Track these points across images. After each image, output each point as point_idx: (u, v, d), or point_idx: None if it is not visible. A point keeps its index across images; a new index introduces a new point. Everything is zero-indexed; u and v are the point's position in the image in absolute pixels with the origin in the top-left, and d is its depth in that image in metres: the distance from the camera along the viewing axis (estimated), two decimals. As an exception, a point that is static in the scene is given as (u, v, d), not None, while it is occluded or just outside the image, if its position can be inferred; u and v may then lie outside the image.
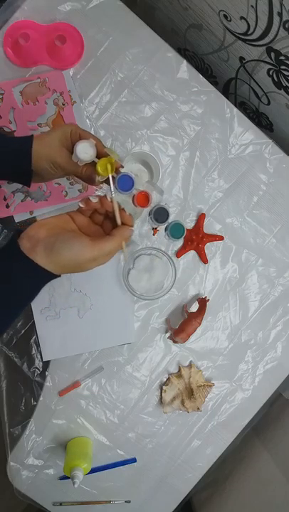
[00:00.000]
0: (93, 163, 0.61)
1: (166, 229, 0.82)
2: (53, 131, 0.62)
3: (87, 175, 0.63)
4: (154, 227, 0.83)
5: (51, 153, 0.60)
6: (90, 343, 0.84)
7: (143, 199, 0.72)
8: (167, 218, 0.80)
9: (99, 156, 0.61)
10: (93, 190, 0.82)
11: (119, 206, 0.60)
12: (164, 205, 0.81)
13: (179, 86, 0.84)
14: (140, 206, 0.73)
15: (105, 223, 0.62)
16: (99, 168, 0.60)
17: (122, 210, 0.60)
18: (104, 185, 0.82)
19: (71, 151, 0.61)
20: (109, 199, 0.58)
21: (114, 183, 0.62)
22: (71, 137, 0.61)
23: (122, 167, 0.64)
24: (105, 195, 0.60)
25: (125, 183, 0.65)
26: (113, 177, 0.62)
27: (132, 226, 0.61)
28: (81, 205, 0.59)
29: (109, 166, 0.61)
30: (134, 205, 0.73)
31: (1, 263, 0.54)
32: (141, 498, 0.90)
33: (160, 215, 0.80)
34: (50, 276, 0.55)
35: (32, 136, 0.61)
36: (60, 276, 0.56)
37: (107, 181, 0.62)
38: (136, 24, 0.82)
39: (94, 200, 0.58)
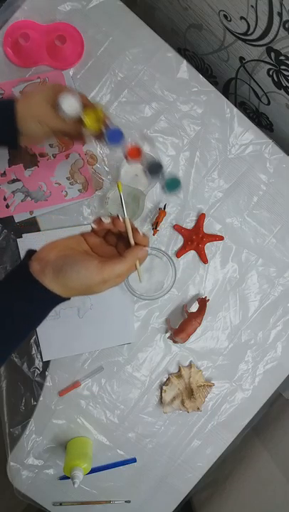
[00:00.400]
0: (80, 119, 0.61)
1: (162, 184, 0.75)
2: (37, 91, 0.62)
3: (76, 130, 0.62)
4: (150, 178, 0.74)
5: (37, 110, 0.60)
6: (90, 343, 0.84)
7: (135, 152, 0.70)
8: (161, 171, 0.73)
9: (85, 109, 0.61)
10: (93, 191, 0.82)
11: (133, 226, 0.56)
12: (157, 159, 0.76)
13: (179, 86, 0.84)
14: (132, 159, 0.70)
15: (119, 244, 0.58)
16: (87, 121, 0.59)
17: (135, 230, 0.56)
18: (104, 189, 0.82)
19: (56, 108, 0.61)
20: (121, 219, 0.55)
21: (103, 137, 0.61)
22: (55, 94, 0.61)
23: (110, 121, 0.62)
24: (118, 216, 0.56)
25: (115, 136, 0.63)
26: (102, 131, 0.61)
27: (146, 246, 0.56)
28: (93, 226, 0.55)
29: (94, 123, 0.59)
30: (126, 159, 0.70)
31: (11, 284, 0.53)
32: (141, 498, 0.90)
33: (153, 168, 0.73)
34: (58, 299, 0.53)
35: (14, 98, 0.61)
36: (69, 299, 0.54)
37: (96, 136, 0.61)
38: (136, 24, 0.82)
39: (106, 220, 0.54)
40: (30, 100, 0.61)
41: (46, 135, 0.64)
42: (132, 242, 0.56)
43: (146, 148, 0.70)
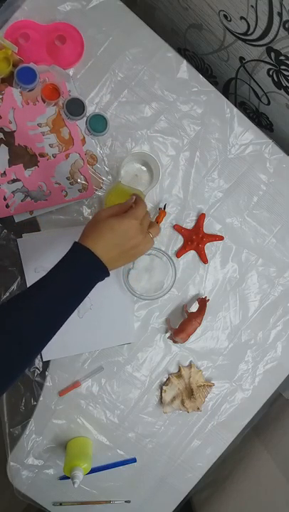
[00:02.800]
0: None
1: (86, 123, 0.72)
2: None
3: None
4: (70, 121, 0.71)
5: None
6: (90, 343, 0.84)
7: (51, 91, 0.64)
8: (83, 111, 0.68)
9: None
10: (93, 191, 0.82)
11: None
12: (77, 96, 0.69)
13: (179, 86, 0.84)
14: (49, 99, 0.65)
15: None
16: None
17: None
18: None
19: None
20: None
21: (13, 78, 0.58)
22: None
23: (22, 60, 0.58)
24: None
25: (26, 75, 0.59)
26: (12, 72, 0.58)
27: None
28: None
29: (3, 64, 0.56)
30: (42, 100, 0.65)
31: (65, 263, 0.60)
32: (141, 498, 0.90)
33: (75, 107, 0.67)
34: (104, 271, 0.61)
35: None
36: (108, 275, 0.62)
37: (7, 79, 0.56)
38: (136, 24, 0.82)
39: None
40: None
41: None
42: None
43: (63, 86, 0.63)
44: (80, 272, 0.60)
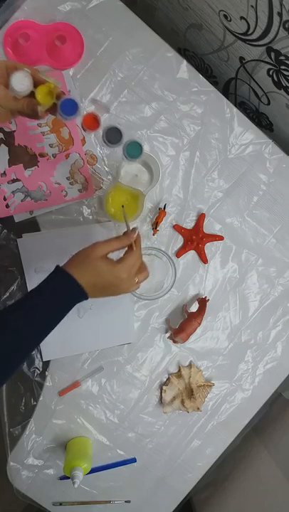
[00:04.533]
0: (33, 95, 0.60)
1: (123, 150, 0.75)
2: None
3: (29, 107, 0.61)
4: (110, 146, 0.75)
5: None
6: (90, 343, 0.84)
7: (91, 121, 0.68)
8: (121, 138, 0.73)
9: (36, 84, 0.60)
10: (93, 191, 0.82)
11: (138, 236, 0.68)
12: (116, 125, 0.74)
13: (179, 86, 0.84)
14: (90, 129, 0.68)
15: None
16: (38, 96, 0.59)
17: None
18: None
19: (8, 87, 0.59)
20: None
21: (57, 109, 0.60)
22: (6, 73, 0.60)
23: (64, 93, 0.62)
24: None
25: (69, 107, 0.62)
26: (55, 104, 0.60)
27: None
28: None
29: (47, 97, 0.59)
30: (83, 129, 0.69)
31: (45, 287, 0.61)
32: (141, 498, 0.90)
33: (113, 135, 0.72)
34: (81, 293, 0.61)
35: None
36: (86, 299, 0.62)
37: (50, 110, 0.60)
38: (136, 24, 0.82)
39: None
40: None
41: (3, 115, 0.63)
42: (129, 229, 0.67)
43: (102, 116, 0.67)
44: (62, 299, 0.61)
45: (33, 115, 0.62)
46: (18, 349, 0.58)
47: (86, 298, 0.62)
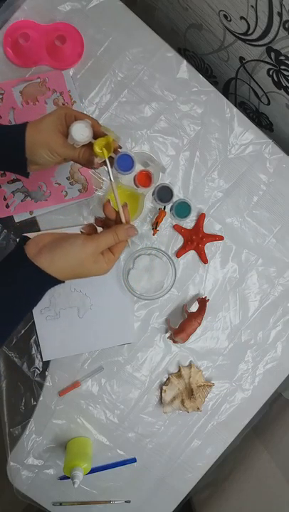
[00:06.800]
0: (90, 145, 0.60)
1: (171, 208, 0.78)
2: (47, 116, 0.60)
3: (85, 157, 0.61)
4: (160, 207, 0.77)
5: (46, 139, 0.59)
6: (90, 343, 0.84)
7: (144, 178, 0.70)
8: (172, 197, 0.75)
9: (95, 136, 0.60)
10: (93, 191, 0.82)
11: (125, 204, 0.61)
12: (167, 184, 0.76)
13: (179, 86, 0.84)
14: (142, 186, 0.70)
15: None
16: (96, 148, 0.59)
17: (124, 206, 0.61)
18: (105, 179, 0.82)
19: (66, 135, 0.60)
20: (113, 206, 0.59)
21: (113, 163, 0.61)
22: (66, 120, 0.60)
23: (120, 147, 0.62)
24: (108, 201, 0.60)
25: (125, 162, 0.63)
26: (112, 157, 0.60)
27: (129, 222, 0.62)
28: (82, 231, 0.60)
29: (105, 150, 0.59)
30: (135, 186, 0.70)
31: (6, 267, 0.55)
32: (141, 498, 0.90)
33: (164, 194, 0.74)
34: (52, 281, 0.55)
35: (26, 123, 0.60)
36: (63, 282, 0.57)
37: (105, 163, 0.60)
38: (136, 24, 0.82)
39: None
40: (41, 129, 0.59)
41: (55, 162, 0.63)
42: (123, 219, 0.61)
43: (155, 173, 0.69)
44: (28, 285, 0.56)
45: (87, 165, 0.62)
46: None
47: (58, 282, 0.57)
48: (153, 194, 0.78)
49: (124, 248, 0.62)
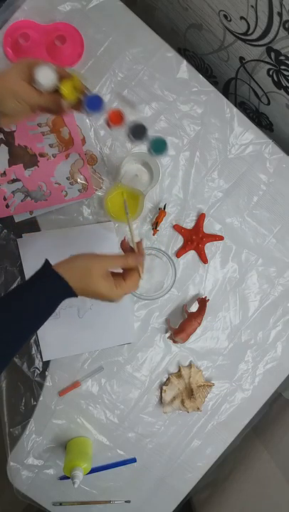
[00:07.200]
0: (57, 91, 0.59)
1: (147, 146, 0.74)
2: (10, 67, 0.60)
3: (54, 102, 0.61)
4: (135, 142, 0.74)
5: (12, 86, 0.59)
6: (90, 343, 0.84)
7: (116, 117, 0.69)
8: (145, 134, 0.72)
9: (61, 79, 0.60)
10: (93, 191, 0.82)
11: (140, 241, 0.66)
12: (141, 121, 0.73)
13: (179, 86, 0.84)
14: (115, 125, 0.69)
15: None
16: (64, 90, 0.58)
17: (139, 242, 0.66)
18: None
19: (32, 83, 0.59)
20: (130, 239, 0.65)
21: (82, 105, 0.60)
22: (29, 69, 0.60)
23: (88, 89, 0.62)
24: (124, 238, 0.66)
25: (94, 103, 0.62)
26: (80, 99, 0.60)
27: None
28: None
29: (73, 91, 0.59)
30: (108, 126, 0.69)
31: (33, 282, 0.59)
32: (141, 498, 0.90)
33: (137, 131, 0.72)
34: (63, 284, 0.58)
35: None
36: (76, 295, 0.60)
37: (75, 106, 0.60)
38: (136, 24, 0.82)
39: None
40: (5, 79, 0.59)
41: (25, 112, 0.63)
42: (136, 250, 0.65)
43: (127, 112, 0.68)
44: (50, 297, 0.59)
45: (58, 110, 0.62)
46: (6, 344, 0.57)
47: (75, 296, 0.60)
48: (127, 133, 0.73)
49: (136, 281, 0.63)
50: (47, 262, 0.60)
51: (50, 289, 0.58)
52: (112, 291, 0.61)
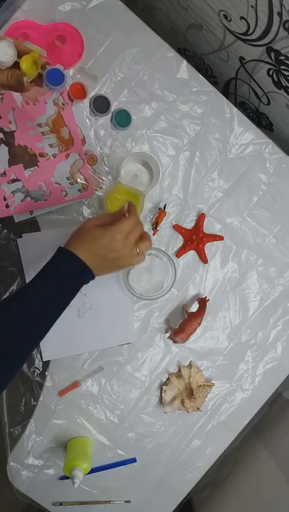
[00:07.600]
0: (17, 66, 0.58)
1: (111, 119, 0.75)
2: None
3: (14, 78, 0.59)
4: (97, 116, 0.75)
5: None
6: (90, 343, 0.84)
7: (79, 91, 0.68)
8: (109, 107, 0.72)
9: (20, 55, 0.59)
10: (93, 191, 0.82)
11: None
12: (102, 93, 0.73)
13: (178, 86, 0.84)
14: (77, 98, 0.68)
15: None
16: (23, 66, 0.57)
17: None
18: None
19: None
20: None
21: (43, 79, 0.60)
22: None
23: (48, 63, 0.61)
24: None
25: (55, 77, 0.61)
26: (41, 74, 0.59)
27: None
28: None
29: (32, 66, 0.58)
30: (70, 99, 0.68)
31: (49, 268, 0.62)
32: (141, 498, 0.90)
33: (100, 104, 0.72)
34: (89, 275, 0.62)
35: None
36: (93, 276, 0.63)
37: (35, 81, 0.59)
38: (136, 24, 0.82)
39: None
40: None
41: None
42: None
43: (89, 84, 0.67)
44: (66, 276, 0.62)
45: (18, 87, 0.61)
46: (27, 335, 0.59)
47: (92, 275, 0.63)
48: (90, 106, 0.73)
49: (149, 239, 0.68)
50: (60, 247, 0.63)
51: (67, 269, 0.62)
52: (134, 254, 0.65)
